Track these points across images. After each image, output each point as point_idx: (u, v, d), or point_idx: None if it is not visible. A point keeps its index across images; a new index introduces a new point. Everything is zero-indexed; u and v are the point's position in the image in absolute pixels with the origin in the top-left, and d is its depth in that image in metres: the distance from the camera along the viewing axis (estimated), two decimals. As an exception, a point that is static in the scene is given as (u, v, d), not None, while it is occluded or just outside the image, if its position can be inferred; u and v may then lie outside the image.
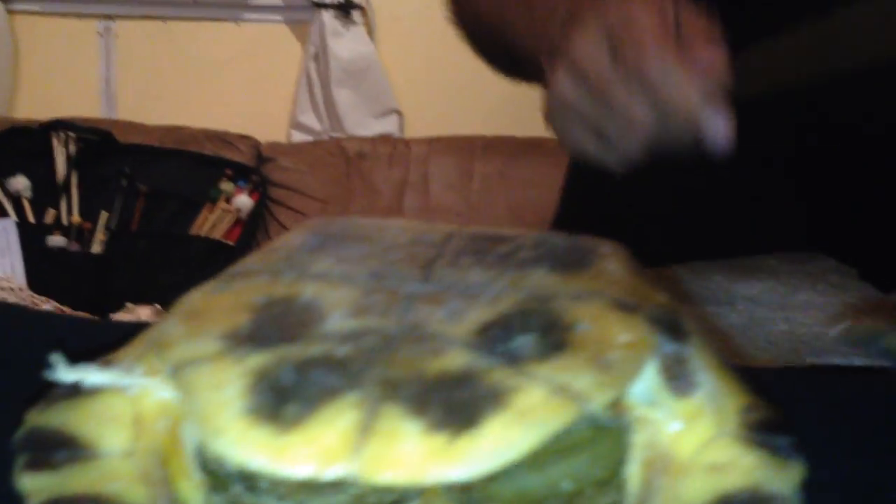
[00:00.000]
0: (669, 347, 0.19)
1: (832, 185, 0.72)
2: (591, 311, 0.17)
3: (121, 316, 1.80)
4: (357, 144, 2.17)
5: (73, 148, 1.97)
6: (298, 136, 2.34)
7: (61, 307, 1.89)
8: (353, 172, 2.18)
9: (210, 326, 0.15)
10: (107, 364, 0.19)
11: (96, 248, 1.95)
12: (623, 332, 0.16)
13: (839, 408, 0.23)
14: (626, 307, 0.17)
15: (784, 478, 0.17)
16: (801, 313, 0.59)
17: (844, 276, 0.68)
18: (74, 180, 1.98)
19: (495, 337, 0.15)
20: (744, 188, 0.74)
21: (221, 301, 0.16)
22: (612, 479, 0.17)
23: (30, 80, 2.24)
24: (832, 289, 0.65)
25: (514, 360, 0.15)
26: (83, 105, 2.18)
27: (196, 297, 0.17)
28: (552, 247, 0.21)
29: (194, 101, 2.25)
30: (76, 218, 1.95)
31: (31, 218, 1.98)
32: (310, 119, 2.30)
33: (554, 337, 0.16)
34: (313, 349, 0.14)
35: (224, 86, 2.26)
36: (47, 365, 0.17)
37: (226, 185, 2.10)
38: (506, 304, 0.17)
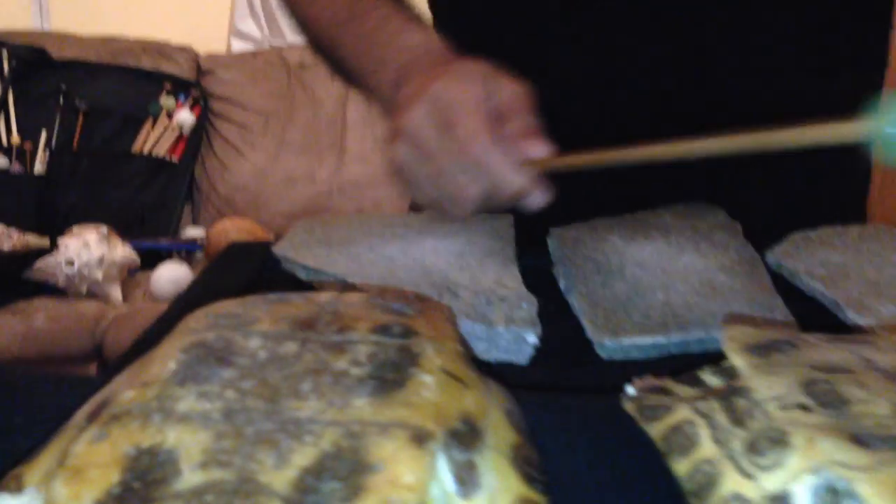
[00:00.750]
0: (461, 456, 0.24)
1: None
2: (389, 450, 0.22)
3: (67, 239, 1.81)
4: (298, 54, 2.14)
5: (6, 66, 1.93)
6: (238, 45, 2.29)
7: (8, 229, 1.92)
8: (295, 83, 2.16)
9: (87, 489, 0.20)
10: (18, 483, 0.24)
11: (39, 168, 1.94)
12: (409, 473, 0.21)
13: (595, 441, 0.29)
14: (422, 439, 0.23)
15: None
16: (680, 280, 0.65)
17: (728, 233, 0.74)
18: (11, 99, 1.95)
19: (308, 487, 0.21)
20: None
21: (99, 454, 0.21)
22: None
23: (-45, -9, 2.15)
24: (713, 249, 0.71)
25: None
26: (14, 14, 2.12)
27: (80, 449, 0.22)
28: (382, 359, 0.26)
29: (129, 7, 2.19)
30: (16, 138, 1.93)
31: (-31, 140, 1.95)
32: (249, 26, 2.26)
33: (354, 482, 0.21)
34: (165, 513, 0.20)
35: (160, -9, 2.19)
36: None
37: (166, 100, 2.08)
38: (326, 442, 0.22)
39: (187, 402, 0.24)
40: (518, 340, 0.55)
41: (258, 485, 0.21)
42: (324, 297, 0.32)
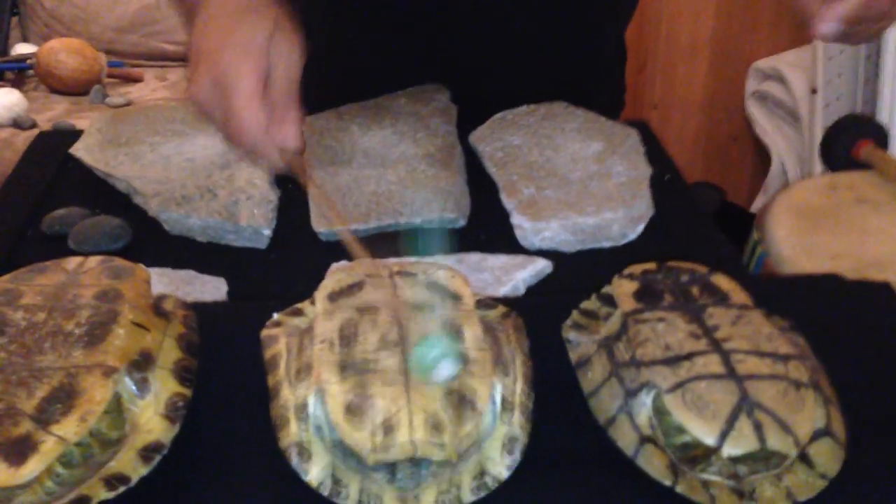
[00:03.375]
0: (138, 375, 0.45)
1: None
2: (90, 381, 0.42)
3: None
4: None
5: None
6: None
7: None
8: None
9: None
10: None
11: None
12: (98, 394, 0.42)
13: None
14: (108, 373, 0.43)
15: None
16: (391, 170, 0.85)
17: (443, 118, 0.94)
18: None
19: (44, 409, 0.41)
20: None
21: None
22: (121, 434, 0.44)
23: None
24: (426, 137, 0.91)
25: (47, 423, 0.40)
26: None
27: None
28: (95, 320, 0.45)
29: None
30: None
31: None
32: None
33: (69, 403, 0.41)
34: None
35: None
36: None
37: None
38: (55, 381, 0.42)
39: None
40: (257, 233, 0.76)
41: (17, 409, 0.41)
42: (72, 264, 0.51)
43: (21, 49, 2.19)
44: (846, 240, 0.81)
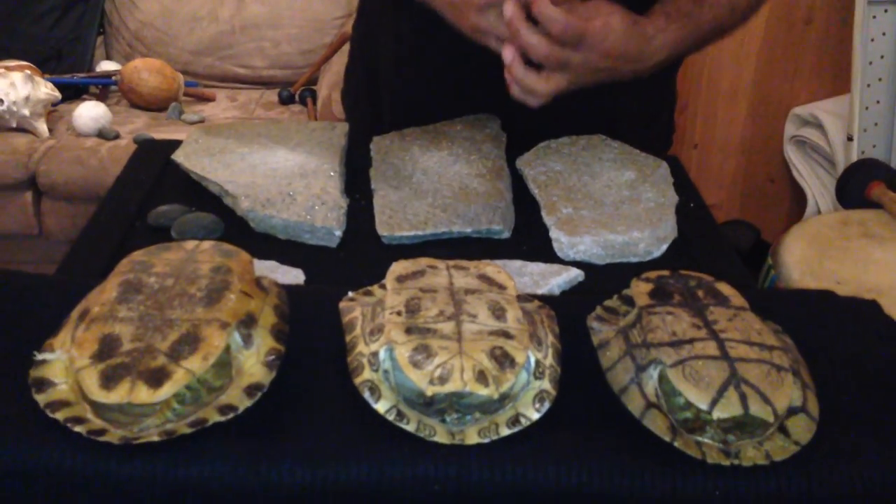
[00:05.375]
0: (245, 331, 0.57)
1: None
2: (209, 331, 0.54)
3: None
4: None
5: None
6: None
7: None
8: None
9: (84, 352, 0.52)
10: (51, 347, 0.55)
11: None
12: (217, 341, 0.53)
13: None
14: (224, 326, 0.54)
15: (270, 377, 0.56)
16: (447, 186, 0.96)
17: (494, 144, 1.05)
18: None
19: (175, 349, 0.53)
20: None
21: (88, 337, 0.53)
22: (223, 383, 0.56)
23: None
24: (478, 159, 1.02)
25: (178, 358, 0.52)
26: None
27: (79, 334, 0.53)
28: (212, 287, 0.57)
29: None
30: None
31: None
32: None
33: (193, 346, 0.53)
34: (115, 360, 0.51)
35: None
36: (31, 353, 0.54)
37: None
38: (183, 329, 0.54)
39: (123, 312, 0.55)
40: (330, 233, 0.87)
41: (155, 348, 0.53)
42: (190, 245, 0.63)
43: (104, 66, 2.37)
44: (851, 268, 0.90)
